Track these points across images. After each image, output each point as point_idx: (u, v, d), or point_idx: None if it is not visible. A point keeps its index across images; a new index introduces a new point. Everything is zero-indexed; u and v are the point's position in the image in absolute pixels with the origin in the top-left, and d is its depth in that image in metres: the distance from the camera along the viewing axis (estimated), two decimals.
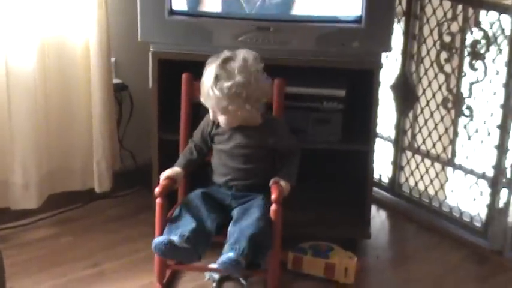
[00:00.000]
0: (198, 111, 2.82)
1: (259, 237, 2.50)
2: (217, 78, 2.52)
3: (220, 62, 2.53)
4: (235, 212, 2.63)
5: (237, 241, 2.46)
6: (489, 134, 3.10)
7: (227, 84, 2.51)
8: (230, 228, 2.56)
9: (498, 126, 3.04)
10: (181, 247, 2.47)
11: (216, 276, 2.81)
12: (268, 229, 2.54)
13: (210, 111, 2.62)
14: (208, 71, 2.56)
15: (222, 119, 2.61)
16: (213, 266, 2.70)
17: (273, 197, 2.54)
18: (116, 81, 3.34)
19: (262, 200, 2.60)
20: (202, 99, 2.60)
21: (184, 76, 2.80)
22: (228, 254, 2.43)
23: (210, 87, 2.52)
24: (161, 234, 2.58)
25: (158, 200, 2.59)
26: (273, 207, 2.54)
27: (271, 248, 2.56)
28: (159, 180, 2.66)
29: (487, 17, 3.03)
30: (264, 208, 2.57)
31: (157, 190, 2.59)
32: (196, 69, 2.66)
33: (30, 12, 2.91)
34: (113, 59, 3.27)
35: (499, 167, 3.06)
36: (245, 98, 2.53)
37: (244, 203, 2.64)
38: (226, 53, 2.57)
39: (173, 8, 2.80)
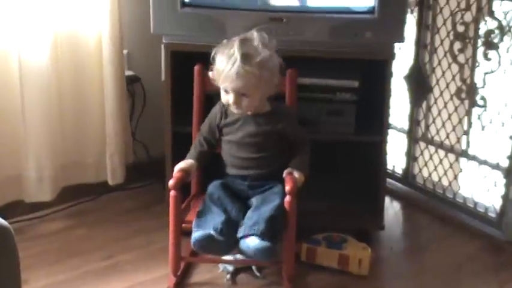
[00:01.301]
0: (211, 103, 2.82)
1: (278, 221, 2.50)
2: (245, 56, 2.50)
3: (240, 43, 2.53)
4: (254, 200, 2.63)
5: (256, 223, 2.46)
6: (503, 124, 3.08)
7: (257, 59, 2.51)
8: (249, 213, 2.55)
9: None
10: (219, 240, 2.46)
11: (230, 267, 2.81)
12: (285, 215, 2.53)
13: (232, 97, 2.57)
14: (224, 56, 2.54)
15: (245, 103, 2.58)
16: (228, 257, 2.71)
17: (287, 188, 2.53)
18: (128, 73, 3.34)
19: (281, 188, 2.60)
20: (227, 84, 2.55)
21: (196, 68, 2.80)
22: (256, 241, 2.42)
23: (240, 66, 2.50)
24: (176, 226, 2.58)
25: (172, 193, 2.58)
26: (287, 198, 2.53)
27: (285, 230, 2.55)
28: (172, 172, 2.65)
29: (500, 7, 3.01)
30: (282, 195, 2.56)
31: (171, 183, 2.58)
32: (209, 61, 2.66)
33: (42, 5, 2.91)
34: (125, 51, 3.28)
35: None
36: (272, 71, 2.55)
37: (263, 192, 2.64)
38: (234, 38, 2.57)
39: (185, 0, 2.79)
